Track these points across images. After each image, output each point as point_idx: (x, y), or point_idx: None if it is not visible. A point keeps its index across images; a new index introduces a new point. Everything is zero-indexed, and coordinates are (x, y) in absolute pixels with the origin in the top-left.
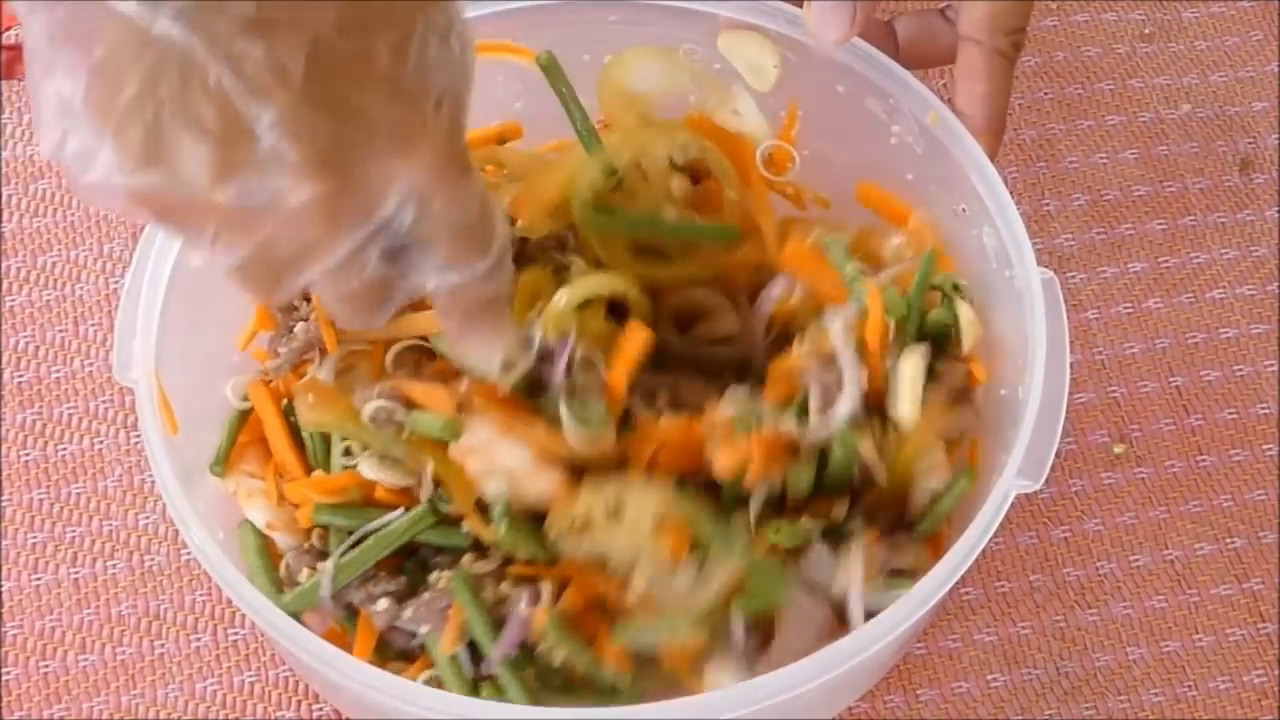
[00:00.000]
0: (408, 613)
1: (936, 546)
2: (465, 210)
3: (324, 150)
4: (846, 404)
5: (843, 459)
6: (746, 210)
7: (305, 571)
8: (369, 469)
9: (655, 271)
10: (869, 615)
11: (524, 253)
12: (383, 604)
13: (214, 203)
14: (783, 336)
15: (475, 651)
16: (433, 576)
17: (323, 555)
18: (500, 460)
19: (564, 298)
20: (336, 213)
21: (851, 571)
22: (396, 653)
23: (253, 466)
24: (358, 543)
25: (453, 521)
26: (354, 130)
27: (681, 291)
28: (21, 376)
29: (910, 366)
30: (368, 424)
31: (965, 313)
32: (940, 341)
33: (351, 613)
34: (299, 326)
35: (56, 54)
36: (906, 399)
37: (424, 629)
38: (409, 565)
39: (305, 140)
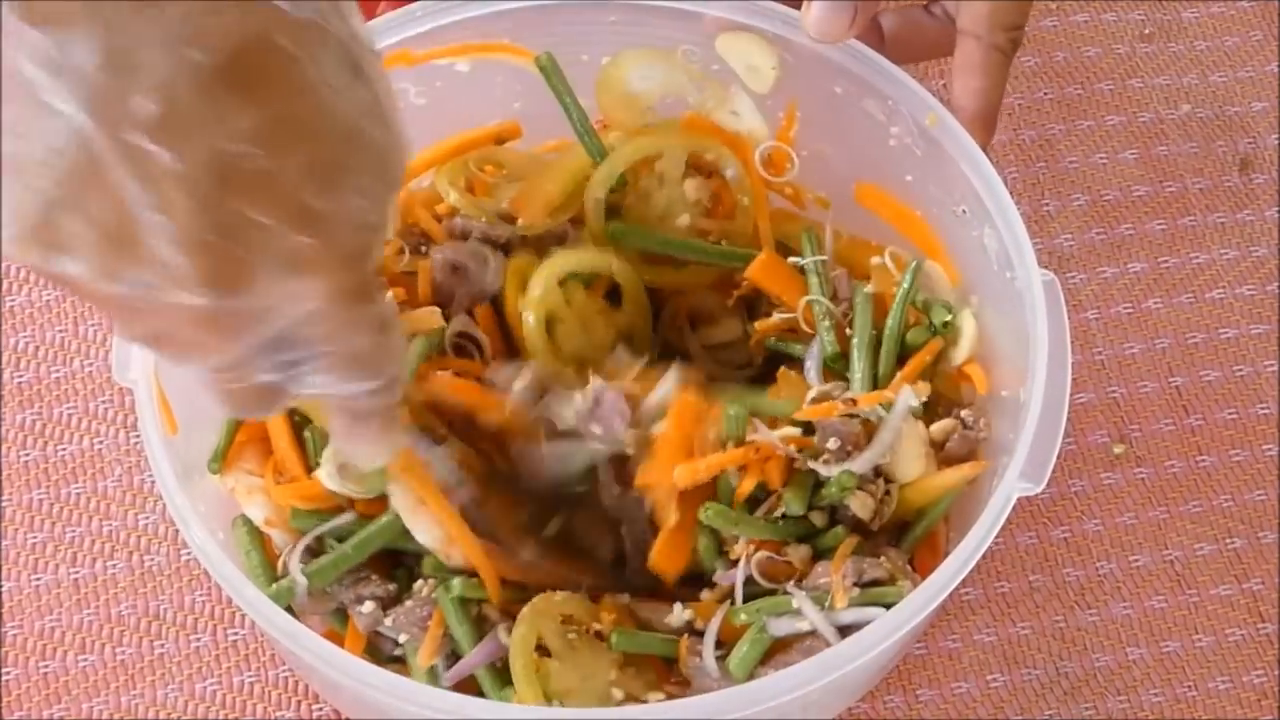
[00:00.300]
0: (389, 620)
1: (935, 548)
2: (360, 338)
3: (217, 268)
4: (861, 465)
5: (837, 496)
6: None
7: (299, 569)
8: (327, 478)
9: (663, 277)
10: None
11: (523, 245)
12: (368, 606)
13: (99, 290)
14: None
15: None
16: (417, 585)
17: (318, 554)
18: (419, 530)
19: (545, 271)
20: (223, 325)
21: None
22: (387, 658)
23: (252, 464)
24: (341, 539)
25: None
26: (251, 250)
27: (686, 296)
28: (21, 376)
29: (908, 426)
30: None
31: (968, 326)
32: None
33: (343, 614)
34: None
35: None
36: (910, 459)
37: (403, 637)
38: (399, 572)
39: (198, 255)
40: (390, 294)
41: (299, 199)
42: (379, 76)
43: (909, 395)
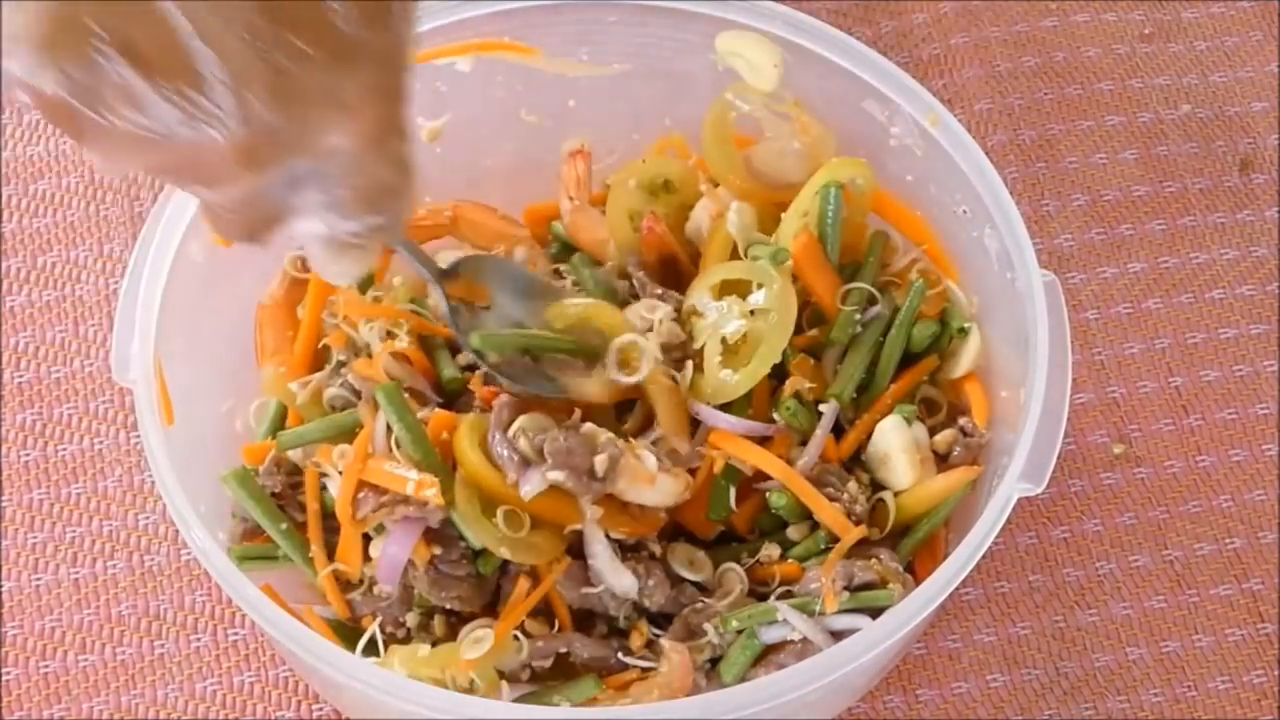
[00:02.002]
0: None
1: (935, 550)
2: (381, 177)
3: (260, 99)
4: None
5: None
6: None
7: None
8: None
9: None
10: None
11: None
12: None
13: (106, 125)
14: None
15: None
16: None
17: None
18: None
19: None
20: (254, 157)
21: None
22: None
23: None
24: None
25: None
26: (294, 82)
27: None
28: (21, 376)
29: (901, 437)
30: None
31: (972, 340)
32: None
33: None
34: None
35: None
36: (903, 468)
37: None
38: None
39: (243, 86)
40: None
41: (342, 31)
42: None
43: (897, 423)
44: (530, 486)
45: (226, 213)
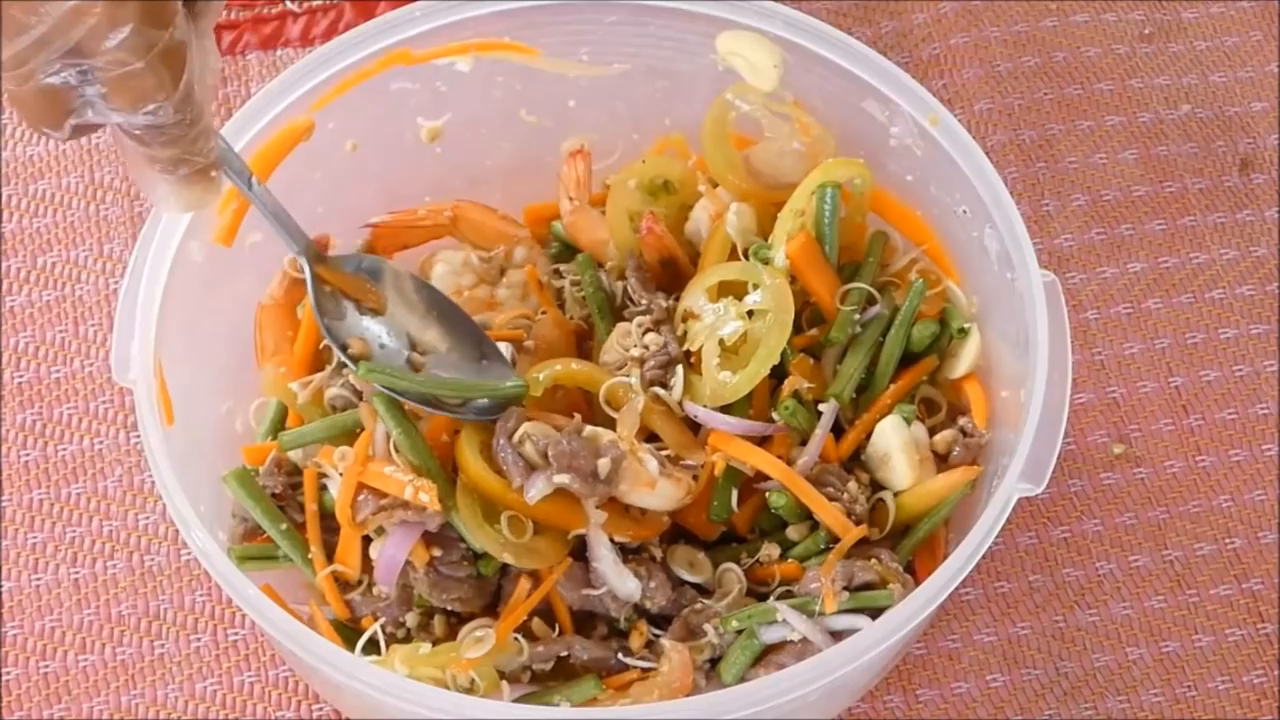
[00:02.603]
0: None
1: (935, 551)
2: (139, 60)
3: None
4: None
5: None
6: None
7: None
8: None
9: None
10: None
11: None
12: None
13: None
14: None
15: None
16: None
17: None
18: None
19: None
20: (16, 22)
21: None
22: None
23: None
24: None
25: None
26: None
27: None
28: (21, 376)
29: (900, 437)
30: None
31: (971, 341)
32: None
33: None
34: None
35: None
36: (903, 469)
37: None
38: None
39: None
40: (183, 35)
41: None
42: None
43: (897, 423)
44: (536, 490)
45: (13, 88)
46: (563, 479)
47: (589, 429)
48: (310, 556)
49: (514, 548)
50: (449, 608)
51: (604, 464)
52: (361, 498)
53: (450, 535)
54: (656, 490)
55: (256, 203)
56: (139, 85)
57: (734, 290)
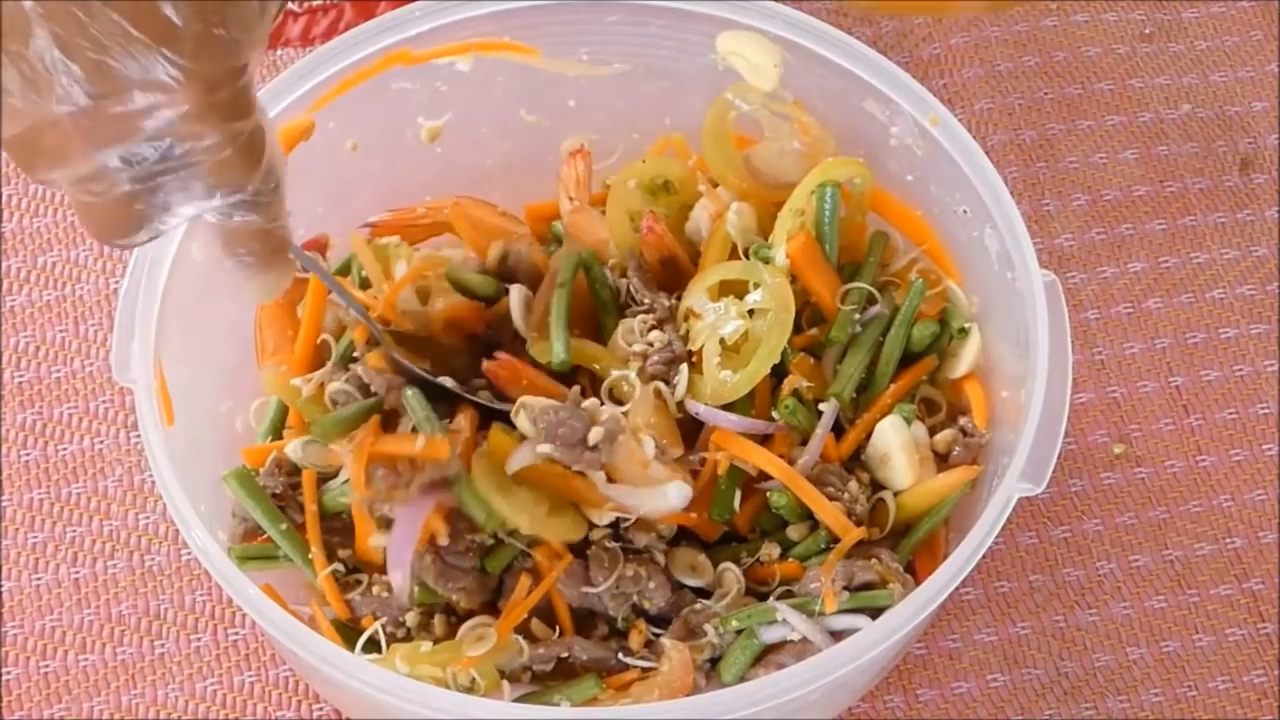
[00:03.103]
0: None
1: (935, 550)
2: (221, 153)
3: (92, 73)
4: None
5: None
6: None
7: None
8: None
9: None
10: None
11: None
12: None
13: None
14: None
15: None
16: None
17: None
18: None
19: None
20: (92, 130)
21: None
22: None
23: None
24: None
25: None
26: (121, 59)
27: None
28: (21, 376)
29: (900, 436)
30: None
31: (972, 341)
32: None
33: None
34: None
35: None
36: (903, 468)
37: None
38: None
39: (76, 60)
40: (259, 116)
41: (169, 19)
42: None
43: (897, 422)
44: (517, 460)
45: (89, 199)
46: (545, 449)
47: (589, 401)
48: (310, 557)
49: (532, 513)
50: (453, 597)
51: (596, 432)
52: (376, 472)
53: (458, 526)
54: (668, 490)
55: (334, 288)
56: (229, 171)
57: (735, 289)
